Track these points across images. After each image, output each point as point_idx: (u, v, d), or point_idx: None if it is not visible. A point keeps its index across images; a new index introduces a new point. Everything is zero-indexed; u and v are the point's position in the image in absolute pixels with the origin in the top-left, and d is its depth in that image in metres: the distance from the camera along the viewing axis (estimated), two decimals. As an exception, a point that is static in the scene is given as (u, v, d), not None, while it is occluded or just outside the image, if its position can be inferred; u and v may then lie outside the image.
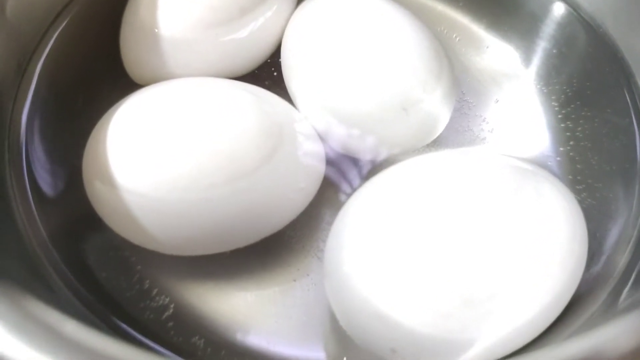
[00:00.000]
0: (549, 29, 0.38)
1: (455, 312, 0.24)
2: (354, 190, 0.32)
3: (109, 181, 0.28)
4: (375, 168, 0.32)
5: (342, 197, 0.32)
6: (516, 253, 0.25)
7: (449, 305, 0.24)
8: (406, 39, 0.31)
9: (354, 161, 0.33)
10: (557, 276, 0.26)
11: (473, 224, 0.25)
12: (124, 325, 0.29)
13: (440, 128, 0.33)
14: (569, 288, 0.26)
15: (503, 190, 0.26)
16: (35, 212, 0.31)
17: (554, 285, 0.25)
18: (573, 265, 0.26)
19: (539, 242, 0.25)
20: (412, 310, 0.25)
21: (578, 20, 0.37)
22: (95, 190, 0.29)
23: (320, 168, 0.31)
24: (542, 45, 0.37)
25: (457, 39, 0.38)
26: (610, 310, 0.27)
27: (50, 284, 0.29)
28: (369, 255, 0.26)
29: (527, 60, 0.37)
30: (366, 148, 0.32)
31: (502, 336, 0.25)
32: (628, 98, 0.34)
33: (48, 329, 0.20)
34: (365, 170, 0.33)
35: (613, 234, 0.31)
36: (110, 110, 0.30)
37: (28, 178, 0.32)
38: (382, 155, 0.32)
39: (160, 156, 0.27)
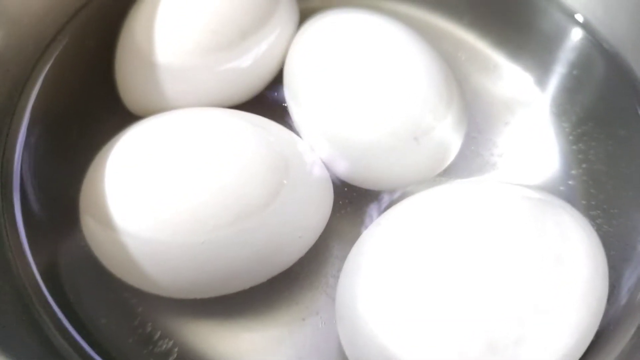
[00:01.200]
0: (560, 50, 0.37)
1: (480, 358, 0.23)
2: (363, 222, 0.31)
3: (106, 222, 0.26)
4: (386, 199, 0.31)
5: (351, 229, 0.31)
6: (540, 292, 0.24)
7: (473, 351, 0.23)
8: (415, 64, 0.30)
9: (363, 193, 0.32)
10: (582, 314, 0.25)
11: (494, 262, 0.24)
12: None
13: (451, 156, 0.31)
14: (593, 326, 0.25)
15: (524, 226, 0.25)
16: (28, 252, 0.30)
17: (578, 324, 0.24)
18: (596, 301, 0.25)
19: (562, 279, 0.24)
20: (433, 356, 0.23)
21: (591, 41, 0.36)
22: (92, 231, 0.27)
23: (329, 201, 0.30)
24: (552, 67, 0.36)
25: (463, 58, 0.37)
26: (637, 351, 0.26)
27: (44, 332, 0.28)
28: (385, 298, 0.25)
29: (537, 81, 0.36)
30: (376, 179, 0.31)
31: (528, 382, 0.24)
32: (643, 120, 0.33)
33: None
34: (375, 201, 0.31)
35: (633, 264, 0.30)
36: (106, 146, 0.28)
37: (22, 214, 0.30)
38: (392, 186, 0.31)
39: (161, 195, 0.26)
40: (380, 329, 0.24)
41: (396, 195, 0.31)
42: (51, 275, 0.29)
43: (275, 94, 0.34)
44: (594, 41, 0.36)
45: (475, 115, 0.35)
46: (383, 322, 0.24)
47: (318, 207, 0.29)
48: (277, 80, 0.34)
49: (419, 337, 0.24)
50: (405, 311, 0.24)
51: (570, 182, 0.33)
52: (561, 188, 0.33)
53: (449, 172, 0.32)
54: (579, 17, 0.36)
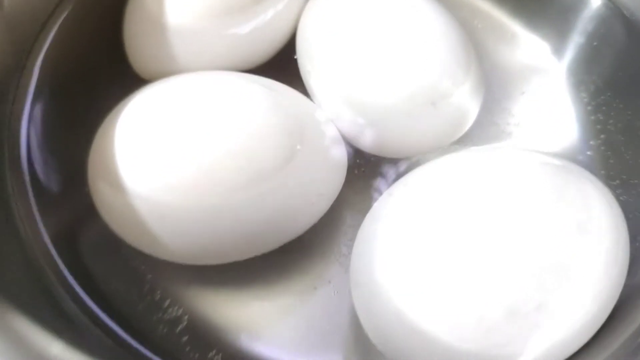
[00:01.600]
0: (578, 17, 0.36)
1: (499, 325, 0.23)
2: (376, 192, 0.30)
3: (117, 185, 0.25)
4: (400, 169, 0.31)
5: (363, 198, 0.30)
6: (561, 259, 0.23)
7: (492, 318, 0.22)
8: (433, 30, 0.29)
9: (377, 160, 0.31)
10: (603, 283, 0.24)
11: (515, 229, 0.23)
12: (135, 343, 0.27)
13: (468, 123, 0.31)
14: (613, 295, 0.25)
15: (545, 192, 0.24)
16: (37, 217, 0.29)
17: (600, 293, 0.24)
18: (617, 272, 0.25)
19: (584, 247, 0.24)
20: (451, 324, 0.23)
21: (610, 8, 0.35)
22: (101, 194, 0.27)
23: (342, 169, 0.29)
24: (570, 35, 0.35)
25: (480, 26, 0.36)
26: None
27: (55, 297, 0.27)
28: (402, 265, 0.24)
29: (554, 49, 0.35)
30: (391, 146, 0.30)
31: (549, 349, 0.23)
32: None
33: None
34: (388, 170, 0.31)
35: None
36: (116, 109, 0.28)
37: (30, 179, 0.30)
38: (408, 153, 0.30)
39: (172, 158, 0.25)
40: (396, 295, 0.24)
41: (411, 163, 0.31)
42: (62, 242, 0.29)
43: (288, 58, 0.33)
44: (614, 8, 0.35)
45: (491, 84, 0.34)
46: (400, 289, 0.24)
47: (332, 173, 0.29)
48: (290, 44, 0.33)
49: (437, 303, 0.23)
50: (422, 277, 0.24)
51: (588, 153, 0.32)
52: (580, 158, 0.32)
53: (464, 141, 0.32)
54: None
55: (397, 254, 0.24)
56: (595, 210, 0.25)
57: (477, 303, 0.23)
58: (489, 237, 0.23)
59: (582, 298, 0.23)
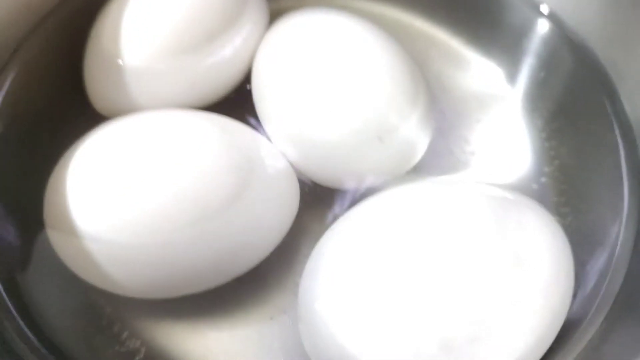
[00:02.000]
0: (530, 44, 0.36)
1: (435, 357, 0.23)
2: (330, 220, 0.31)
3: (70, 225, 0.26)
4: (352, 197, 0.31)
5: (319, 227, 0.31)
6: (498, 291, 0.24)
7: (427, 351, 0.23)
8: (380, 63, 0.30)
9: (330, 191, 0.32)
10: (542, 313, 0.24)
11: (453, 261, 0.24)
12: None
13: (418, 155, 0.31)
14: (556, 324, 0.25)
15: (485, 225, 0.25)
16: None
17: (539, 323, 0.24)
18: (559, 299, 0.25)
19: (521, 279, 0.24)
20: (390, 355, 0.23)
21: (560, 36, 0.35)
22: (56, 233, 0.27)
23: (294, 202, 0.30)
24: (523, 61, 0.36)
25: (436, 55, 0.37)
26: (603, 346, 0.26)
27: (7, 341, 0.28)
28: (345, 297, 0.25)
29: (508, 76, 0.36)
30: (341, 178, 0.31)
31: (485, 382, 0.23)
32: (612, 115, 0.33)
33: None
34: (342, 200, 0.31)
35: (602, 261, 0.30)
36: (71, 148, 0.28)
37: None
38: (359, 185, 0.31)
39: (122, 198, 0.26)
40: (338, 329, 0.24)
41: (363, 194, 0.31)
42: (14, 280, 0.29)
43: (243, 95, 0.33)
44: (562, 34, 0.35)
45: (447, 112, 0.34)
46: (341, 322, 0.24)
47: (283, 207, 0.29)
48: (246, 81, 0.33)
49: (376, 337, 0.24)
50: (362, 311, 0.24)
51: (542, 180, 0.33)
52: (534, 186, 0.33)
53: (420, 170, 0.32)
54: (545, 10, 0.36)
55: (339, 288, 0.25)
56: (533, 240, 0.25)
57: (414, 336, 0.23)
58: (427, 270, 0.24)
59: (519, 328, 0.24)
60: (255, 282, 0.30)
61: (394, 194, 0.27)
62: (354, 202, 0.31)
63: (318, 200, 0.32)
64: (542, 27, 0.36)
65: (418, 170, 0.32)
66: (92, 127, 0.29)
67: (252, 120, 0.32)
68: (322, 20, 0.32)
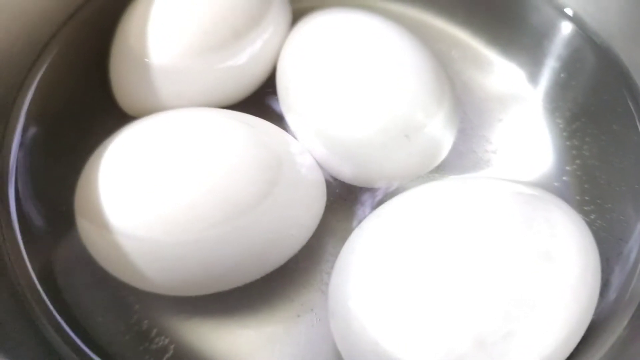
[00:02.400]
0: (552, 45, 0.37)
1: (467, 354, 0.23)
2: (357, 219, 0.31)
3: (101, 222, 0.26)
4: (379, 196, 0.31)
5: (345, 226, 0.31)
6: (528, 288, 0.24)
7: (461, 347, 0.23)
8: (406, 62, 0.30)
9: (356, 189, 0.32)
10: (571, 309, 0.25)
11: (484, 258, 0.24)
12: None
13: (443, 153, 0.32)
14: (584, 320, 0.26)
15: (514, 222, 0.25)
16: (23, 253, 0.30)
17: (568, 319, 0.25)
18: (587, 297, 0.26)
19: (551, 275, 0.24)
20: (423, 352, 0.24)
21: (583, 37, 0.36)
22: (87, 231, 0.28)
23: (322, 200, 0.30)
24: (545, 62, 0.36)
25: (457, 56, 0.37)
26: (629, 343, 0.26)
27: (41, 331, 0.28)
28: (377, 294, 0.25)
29: (530, 77, 0.36)
30: (368, 176, 0.31)
31: (517, 377, 0.24)
32: (635, 115, 0.33)
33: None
34: (368, 199, 0.32)
35: (627, 259, 0.30)
36: (101, 147, 0.29)
37: (17, 216, 0.31)
38: (385, 183, 0.31)
39: (153, 196, 0.26)
40: (371, 325, 0.25)
41: (390, 192, 0.31)
42: (47, 276, 0.30)
43: (269, 93, 0.34)
44: (585, 36, 0.36)
45: (469, 112, 0.35)
46: (374, 318, 0.25)
47: (311, 205, 0.30)
48: (270, 80, 0.34)
49: (409, 333, 0.24)
50: (395, 307, 0.24)
51: (564, 178, 0.33)
52: (555, 184, 0.33)
53: (443, 169, 0.33)
54: (569, 12, 0.36)
55: (371, 285, 0.25)
56: (562, 237, 0.25)
57: (447, 333, 0.23)
58: (458, 267, 0.24)
59: (550, 325, 0.24)
60: (282, 280, 0.30)
61: (423, 191, 0.28)
62: (379, 201, 0.31)
63: (344, 199, 0.32)
64: (565, 28, 0.36)
65: (441, 170, 0.33)
66: (119, 126, 0.30)
67: (277, 119, 0.32)
68: (346, 19, 0.33)
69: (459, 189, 0.28)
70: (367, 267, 0.26)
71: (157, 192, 0.26)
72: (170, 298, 0.29)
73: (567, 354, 0.25)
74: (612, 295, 0.29)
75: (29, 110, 0.32)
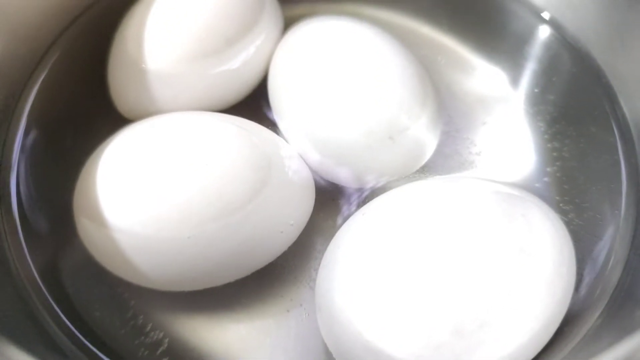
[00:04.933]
0: (533, 50, 0.38)
1: (446, 343, 0.24)
2: (344, 218, 0.32)
3: (99, 219, 0.28)
4: (365, 196, 0.33)
5: (333, 225, 0.32)
6: (505, 281, 0.25)
7: (440, 336, 0.24)
8: (391, 67, 0.32)
9: (344, 189, 0.33)
10: (546, 301, 0.26)
11: (462, 253, 0.25)
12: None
13: (427, 154, 0.33)
14: (559, 312, 0.27)
15: (492, 219, 0.26)
16: (25, 251, 0.31)
17: (543, 311, 0.26)
18: (562, 290, 0.27)
19: (527, 268, 0.25)
20: (404, 342, 0.25)
21: (561, 41, 0.37)
22: (85, 228, 0.29)
23: (310, 199, 0.31)
24: (526, 66, 0.38)
25: (443, 61, 0.38)
26: (602, 333, 0.27)
27: (42, 324, 0.29)
28: (361, 288, 0.26)
29: (513, 81, 0.37)
30: (354, 177, 0.32)
31: (494, 364, 0.25)
32: (611, 117, 0.34)
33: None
34: (355, 198, 0.33)
35: (601, 255, 0.31)
36: (99, 149, 0.30)
37: (18, 216, 0.32)
38: (371, 183, 0.32)
39: (149, 194, 0.27)
40: (355, 316, 0.26)
41: (375, 191, 0.32)
42: (48, 273, 0.31)
43: (260, 97, 0.35)
44: (563, 40, 0.37)
45: (454, 115, 0.36)
46: (358, 310, 0.26)
47: (300, 204, 0.31)
48: (262, 85, 0.35)
49: (392, 324, 0.25)
50: (378, 299, 0.25)
51: (545, 179, 0.34)
52: (537, 185, 0.34)
53: (428, 170, 0.34)
54: (546, 16, 0.38)
55: (355, 279, 0.26)
56: (538, 233, 0.26)
57: (427, 323, 0.24)
58: (438, 261, 0.25)
59: (525, 315, 0.25)
60: (273, 277, 0.31)
61: (407, 190, 0.29)
62: (365, 200, 0.32)
63: (332, 199, 0.33)
64: (543, 32, 0.38)
65: (427, 171, 0.34)
66: (116, 129, 0.31)
67: (268, 122, 0.33)
68: (335, 26, 0.34)
69: (441, 187, 0.29)
70: (352, 263, 0.27)
71: (153, 191, 0.27)
72: (164, 294, 0.30)
73: (542, 344, 0.26)
74: (585, 289, 0.30)
75: (30, 113, 0.34)
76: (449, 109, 0.36)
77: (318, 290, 0.28)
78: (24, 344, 0.24)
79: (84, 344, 0.29)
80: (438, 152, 0.34)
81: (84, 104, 0.35)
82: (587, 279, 0.30)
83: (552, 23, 0.38)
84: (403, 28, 0.39)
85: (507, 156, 0.35)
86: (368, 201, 0.30)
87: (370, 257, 0.27)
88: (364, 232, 0.28)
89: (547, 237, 0.27)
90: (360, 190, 0.33)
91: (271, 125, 0.33)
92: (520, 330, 0.25)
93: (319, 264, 0.30)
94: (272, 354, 0.30)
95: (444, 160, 0.34)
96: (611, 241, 0.31)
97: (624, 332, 0.24)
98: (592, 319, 0.29)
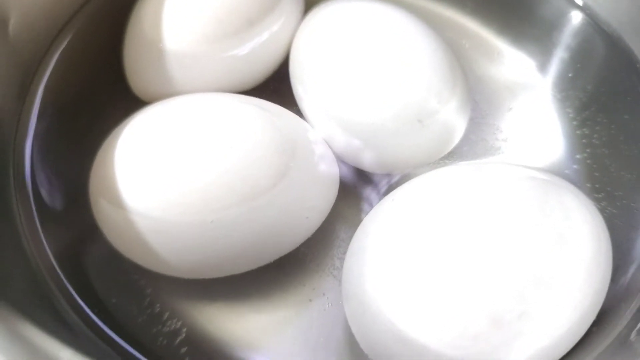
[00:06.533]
0: (562, 34, 0.37)
1: (484, 333, 0.23)
2: (369, 205, 0.31)
3: (117, 202, 0.27)
4: (391, 182, 0.32)
5: (356, 212, 0.31)
6: (543, 269, 0.24)
7: (477, 327, 0.23)
8: (419, 49, 0.31)
9: (368, 175, 0.32)
10: (584, 291, 0.25)
11: (498, 240, 0.24)
12: (136, 353, 0.28)
13: (456, 139, 0.32)
14: (596, 303, 0.26)
15: (528, 205, 0.25)
16: (41, 235, 0.30)
17: (581, 301, 0.25)
18: (599, 279, 0.26)
19: (565, 257, 0.24)
20: (439, 332, 0.24)
21: (592, 26, 0.36)
22: (102, 212, 0.28)
23: (335, 185, 0.30)
24: (555, 52, 0.37)
25: (467, 45, 0.37)
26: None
27: (59, 311, 0.28)
28: (391, 276, 0.25)
29: (540, 66, 0.36)
30: (379, 162, 0.31)
31: (533, 355, 0.24)
32: (645, 103, 0.33)
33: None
34: (380, 184, 0.32)
35: (636, 244, 0.30)
36: (116, 130, 0.29)
37: (34, 200, 0.31)
38: (398, 169, 0.31)
39: (169, 177, 0.26)
40: (386, 306, 0.25)
41: (401, 178, 0.32)
42: (65, 258, 0.30)
43: (281, 80, 0.34)
44: (595, 25, 0.36)
45: (479, 101, 0.35)
46: (389, 300, 0.25)
47: (324, 189, 0.30)
48: (283, 67, 0.34)
49: (425, 314, 0.24)
50: (410, 289, 0.24)
51: (574, 166, 0.33)
52: (566, 172, 0.33)
53: (453, 156, 0.33)
54: (579, 1, 0.37)
55: (386, 266, 0.25)
56: (575, 221, 0.25)
57: (463, 313, 0.23)
58: (473, 249, 0.24)
59: (563, 306, 0.24)
60: (294, 265, 0.30)
61: (438, 175, 0.28)
62: (391, 187, 0.31)
63: (355, 185, 0.32)
64: (575, 17, 0.37)
65: (452, 157, 0.33)
66: (132, 110, 0.30)
67: (289, 105, 0.32)
68: (358, 7, 0.33)
69: (473, 173, 0.28)
70: (382, 250, 0.26)
71: (173, 174, 0.26)
72: (181, 282, 0.29)
73: (579, 335, 0.25)
74: (622, 280, 0.29)
75: (44, 94, 0.33)
76: (474, 94, 0.35)
77: (345, 279, 0.27)
78: (41, 325, 0.23)
79: (102, 330, 0.28)
80: (464, 138, 0.33)
81: (99, 85, 0.34)
82: (623, 270, 0.29)
83: (584, 7, 0.37)
84: (426, 10, 0.38)
85: (534, 143, 0.34)
86: (393, 188, 0.29)
87: (402, 244, 0.25)
88: (394, 218, 0.26)
89: (585, 225, 0.26)
90: (385, 176, 0.32)
91: (292, 108, 0.32)
92: (559, 321, 0.24)
93: (342, 252, 0.30)
94: (293, 345, 0.29)
95: (470, 146, 0.34)
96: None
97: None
98: (629, 313, 0.28)
